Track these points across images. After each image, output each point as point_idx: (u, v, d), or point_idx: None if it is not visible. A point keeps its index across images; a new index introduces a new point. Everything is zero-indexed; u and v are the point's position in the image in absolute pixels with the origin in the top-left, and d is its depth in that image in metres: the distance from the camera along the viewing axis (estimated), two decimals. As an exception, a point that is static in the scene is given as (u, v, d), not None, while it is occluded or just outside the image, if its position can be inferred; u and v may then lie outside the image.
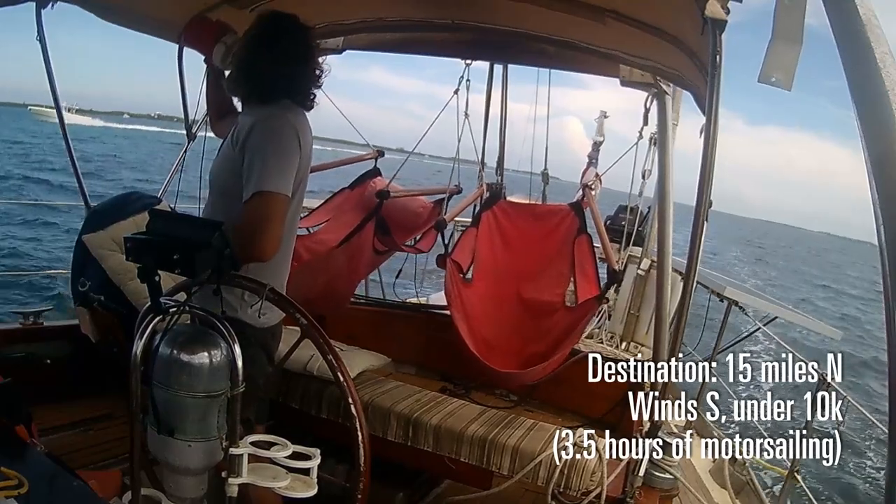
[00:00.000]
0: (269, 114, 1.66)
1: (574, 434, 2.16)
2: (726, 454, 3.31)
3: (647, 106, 2.87)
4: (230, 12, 2.32)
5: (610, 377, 2.94)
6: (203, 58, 2.03)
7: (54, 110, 2.71)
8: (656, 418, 1.84)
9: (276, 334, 1.78)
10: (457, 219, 3.68)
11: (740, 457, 3.34)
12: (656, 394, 2.07)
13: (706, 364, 3.95)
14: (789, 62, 1.21)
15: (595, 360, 3.05)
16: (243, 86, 1.76)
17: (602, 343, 4.51)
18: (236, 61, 1.77)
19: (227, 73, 1.88)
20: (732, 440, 4.44)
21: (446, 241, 3.21)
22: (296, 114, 1.71)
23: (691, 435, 3.70)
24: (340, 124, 3.34)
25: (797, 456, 2.99)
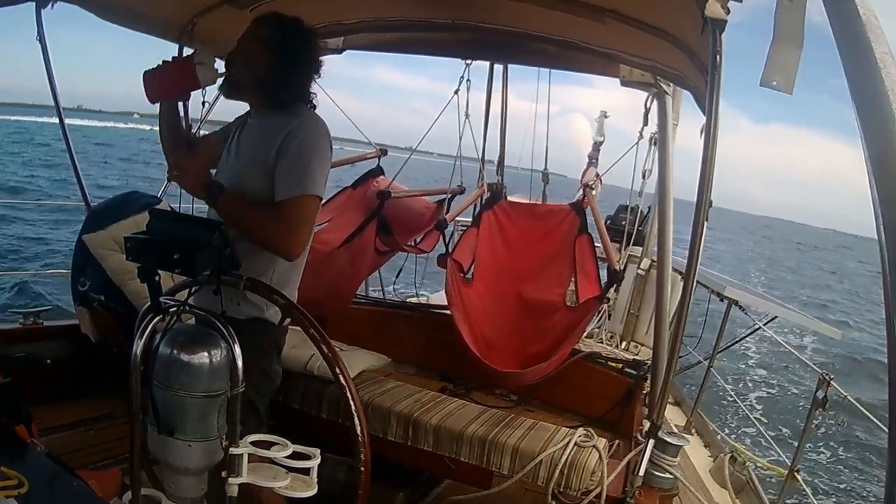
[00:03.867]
0: (301, 117, 1.68)
1: (574, 434, 2.16)
2: (726, 454, 3.34)
3: (648, 106, 2.87)
4: (230, 12, 2.32)
5: (610, 377, 2.95)
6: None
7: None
8: (656, 418, 1.84)
9: (286, 331, 1.82)
10: (458, 218, 3.68)
11: (740, 457, 3.35)
12: (656, 394, 2.07)
13: (706, 364, 3.97)
14: (790, 66, 1.21)
15: (595, 359, 3.07)
16: (259, 92, 1.73)
17: (602, 343, 4.51)
18: (251, 68, 1.71)
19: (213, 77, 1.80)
20: (732, 440, 4.46)
21: (447, 241, 3.21)
22: (319, 117, 1.75)
23: (691, 435, 3.72)
24: (346, 122, 3.34)
25: (797, 455, 3.00)
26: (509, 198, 3.49)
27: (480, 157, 3.63)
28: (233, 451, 1.31)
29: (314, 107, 1.79)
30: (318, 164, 1.64)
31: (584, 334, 4.49)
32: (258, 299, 1.67)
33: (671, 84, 2.41)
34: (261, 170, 1.65)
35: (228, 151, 1.79)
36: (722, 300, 3.88)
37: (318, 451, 1.37)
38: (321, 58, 1.81)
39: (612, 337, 4.62)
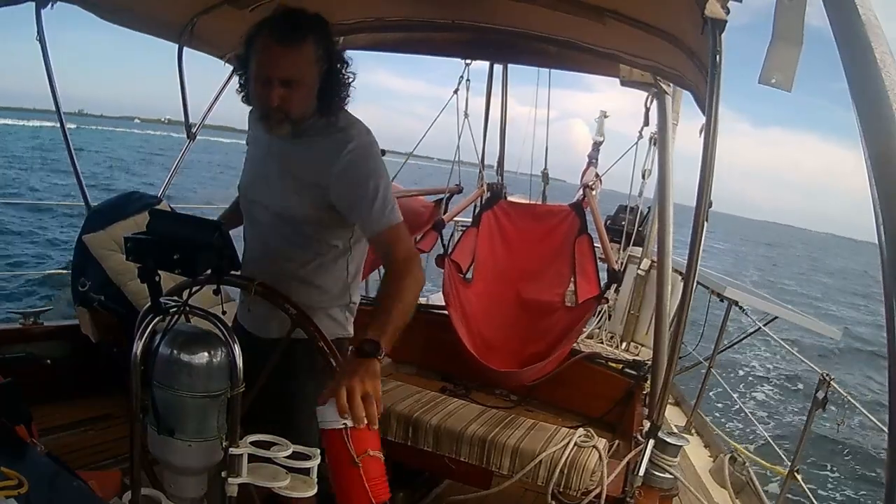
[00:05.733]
0: (350, 139, 1.47)
1: (574, 434, 2.16)
2: (726, 454, 3.34)
3: (648, 106, 2.88)
4: (230, 12, 2.32)
5: (610, 377, 2.96)
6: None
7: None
8: (656, 418, 1.84)
9: None
10: (457, 219, 3.68)
11: (740, 457, 3.35)
12: (656, 394, 2.07)
13: (706, 364, 3.97)
14: (789, 63, 1.21)
15: (595, 360, 3.07)
16: (314, 113, 1.50)
17: (602, 343, 4.52)
18: (312, 96, 1.47)
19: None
20: (732, 440, 4.45)
21: (446, 241, 3.21)
22: (362, 127, 1.55)
23: (691, 435, 3.72)
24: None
25: (797, 455, 3.00)
26: (509, 198, 3.50)
27: (480, 156, 3.63)
28: (233, 451, 1.31)
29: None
30: (387, 187, 1.47)
31: (585, 335, 4.49)
32: (340, 315, 1.62)
33: (671, 84, 2.41)
34: (310, 197, 1.49)
35: (276, 165, 1.56)
36: (722, 301, 3.88)
37: (318, 451, 1.36)
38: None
39: (612, 337, 4.62)
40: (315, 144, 1.50)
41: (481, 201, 3.39)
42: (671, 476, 1.82)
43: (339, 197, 1.47)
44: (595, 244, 3.20)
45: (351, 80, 1.53)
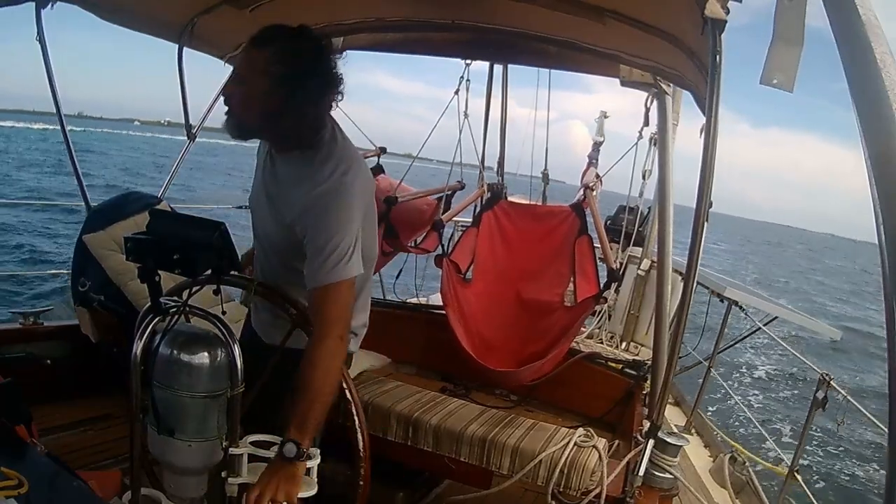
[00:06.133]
0: (326, 178, 1.39)
1: (574, 434, 2.16)
2: (726, 454, 3.34)
3: (648, 106, 2.88)
4: (230, 12, 2.32)
5: (610, 377, 2.95)
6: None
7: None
8: (656, 418, 1.84)
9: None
10: (457, 219, 3.68)
11: (740, 457, 3.35)
12: (656, 394, 2.07)
13: (706, 364, 3.97)
14: (790, 64, 1.21)
15: (595, 360, 3.07)
16: (272, 133, 1.46)
17: (602, 343, 4.51)
18: (257, 106, 1.39)
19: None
20: (732, 440, 4.45)
21: (445, 242, 3.21)
22: (350, 147, 1.50)
23: (691, 435, 3.72)
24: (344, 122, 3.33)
25: (797, 455, 3.00)
26: (509, 198, 3.50)
27: (480, 156, 3.63)
28: (233, 451, 1.31)
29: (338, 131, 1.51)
30: (348, 238, 1.37)
31: (585, 335, 4.49)
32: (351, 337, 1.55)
33: (671, 84, 2.41)
34: (287, 230, 1.46)
35: (264, 189, 1.55)
36: (722, 301, 3.88)
37: (318, 451, 1.37)
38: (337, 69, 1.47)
39: (612, 337, 4.62)
40: (290, 178, 1.46)
41: (481, 201, 3.39)
42: (671, 476, 1.82)
43: (301, 237, 1.43)
44: (595, 245, 3.20)
45: (328, 130, 1.47)
